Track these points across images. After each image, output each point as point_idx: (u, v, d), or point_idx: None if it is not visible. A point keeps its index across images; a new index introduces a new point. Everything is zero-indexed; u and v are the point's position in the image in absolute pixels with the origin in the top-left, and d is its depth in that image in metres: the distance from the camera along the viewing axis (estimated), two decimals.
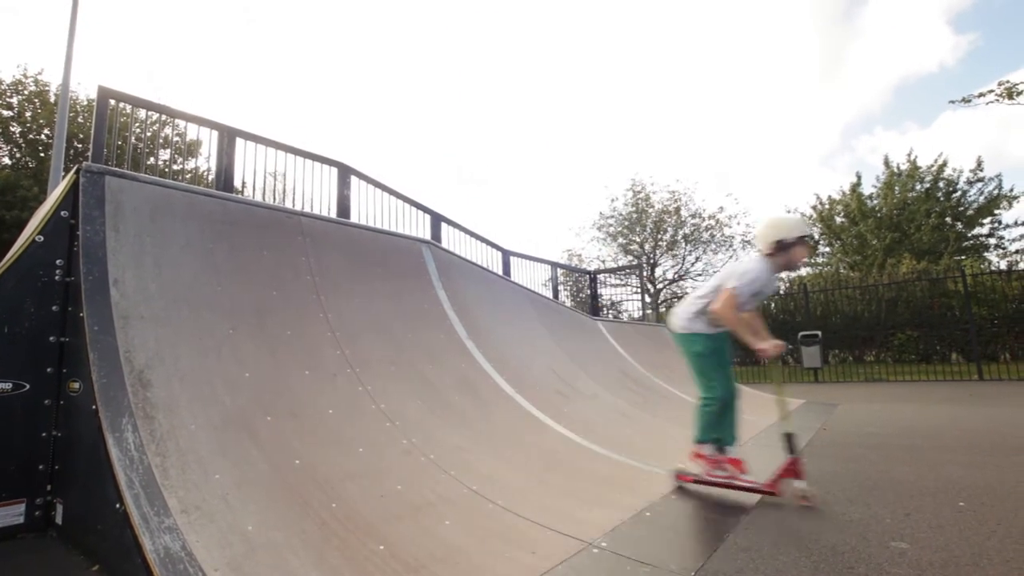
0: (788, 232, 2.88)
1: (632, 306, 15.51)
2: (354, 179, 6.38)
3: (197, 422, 2.28)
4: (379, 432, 2.90)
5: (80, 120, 15.03)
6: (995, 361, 13.31)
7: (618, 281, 16.37)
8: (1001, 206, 21.26)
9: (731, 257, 22.82)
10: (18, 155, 14.73)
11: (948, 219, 22.06)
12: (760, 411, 6.33)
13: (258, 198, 5.17)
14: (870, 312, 15.43)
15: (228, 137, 4.94)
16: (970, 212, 21.83)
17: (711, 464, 3.06)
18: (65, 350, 2.56)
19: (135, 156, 4.73)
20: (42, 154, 14.60)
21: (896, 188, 23.21)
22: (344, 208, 6.17)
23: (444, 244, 7.59)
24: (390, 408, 3.15)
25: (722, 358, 3.10)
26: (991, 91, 14.31)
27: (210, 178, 5.12)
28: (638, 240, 23.26)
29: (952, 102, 16.12)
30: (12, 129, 14.46)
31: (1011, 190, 21.01)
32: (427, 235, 7.72)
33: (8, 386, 2.39)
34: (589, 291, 13.60)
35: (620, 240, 23.51)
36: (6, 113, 14.38)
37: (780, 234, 2.89)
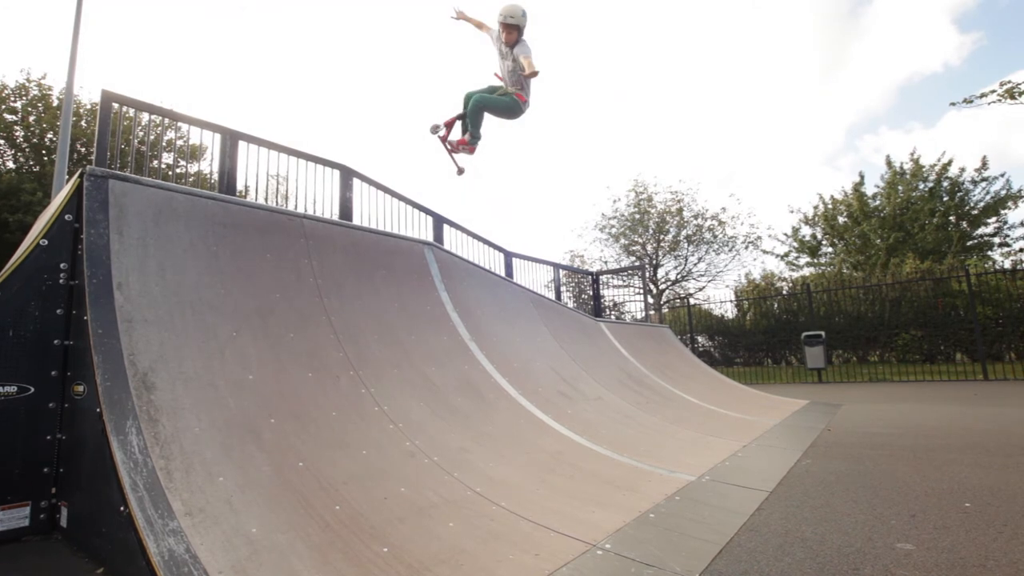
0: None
1: (635, 307, 15.50)
2: (356, 181, 6.39)
3: (201, 424, 2.29)
4: (382, 434, 2.90)
5: (83, 124, 15.09)
6: (1000, 361, 13.27)
7: (620, 282, 16.36)
8: (1007, 206, 21.15)
9: (734, 258, 22.80)
10: (22, 159, 14.79)
11: (952, 219, 21.97)
12: (762, 412, 6.31)
13: (261, 201, 5.18)
14: (874, 312, 15.39)
15: (231, 140, 4.96)
16: (975, 212, 21.73)
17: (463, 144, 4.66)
18: (69, 353, 2.56)
19: (138, 159, 4.75)
20: (46, 158, 14.65)
21: (900, 188, 23.13)
22: (346, 210, 6.18)
23: (446, 246, 7.60)
24: (393, 410, 3.15)
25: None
26: (993, 91, 14.27)
27: (213, 180, 5.13)
28: (640, 241, 23.24)
29: (953, 104, 15.99)
30: (16, 133, 14.52)
31: (1019, 190, 20.89)
32: (429, 237, 7.73)
33: (13, 389, 2.39)
34: (591, 292, 13.60)
35: (622, 241, 23.51)
36: (10, 117, 14.44)
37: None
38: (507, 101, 4.52)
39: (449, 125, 4.72)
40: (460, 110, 4.74)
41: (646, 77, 61.54)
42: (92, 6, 18.84)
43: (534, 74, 4.25)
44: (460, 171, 4.81)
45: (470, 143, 4.66)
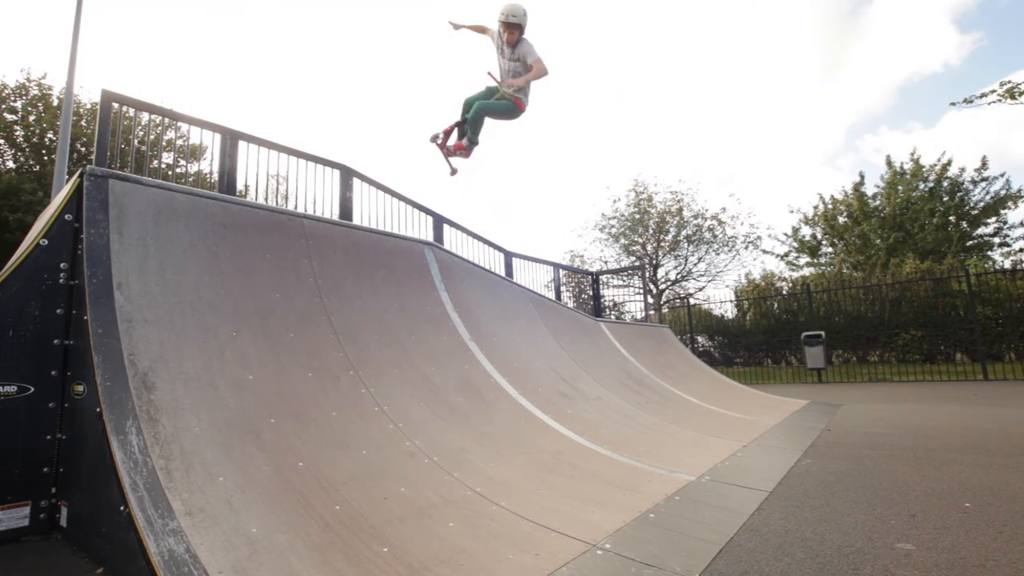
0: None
1: (635, 307, 15.49)
2: (356, 181, 6.39)
3: (201, 424, 2.29)
4: (382, 434, 2.90)
5: (83, 124, 15.09)
6: (1000, 361, 13.27)
7: (620, 282, 16.38)
8: (1007, 206, 21.16)
9: (733, 258, 22.80)
10: (22, 159, 14.79)
11: (952, 219, 21.97)
12: (762, 412, 6.31)
13: (261, 201, 5.18)
14: (873, 312, 15.39)
15: (231, 140, 4.96)
16: (975, 212, 21.73)
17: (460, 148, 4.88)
18: (69, 353, 2.56)
19: (138, 159, 4.75)
20: (46, 158, 14.65)
21: (900, 188, 23.13)
22: (346, 210, 6.18)
23: (446, 246, 7.60)
24: (393, 410, 3.15)
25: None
26: (993, 91, 14.26)
27: (213, 180, 5.13)
28: (640, 241, 23.24)
29: (953, 104, 15.96)
30: (16, 133, 14.52)
31: (1019, 190, 20.90)
32: (429, 236, 7.73)
33: (13, 389, 2.39)
34: (591, 292, 13.60)
35: (622, 241, 23.50)
36: (10, 117, 14.43)
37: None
38: (506, 104, 4.61)
39: (448, 133, 4.95)
40: (458, 115, 4.89)
41: (646, 77, 61.53)
42: (92, 6, 18.85)
43: (544, 75, 4.39)
44: (453, 171, 5.04)
45: (467, 148, 4.85)
